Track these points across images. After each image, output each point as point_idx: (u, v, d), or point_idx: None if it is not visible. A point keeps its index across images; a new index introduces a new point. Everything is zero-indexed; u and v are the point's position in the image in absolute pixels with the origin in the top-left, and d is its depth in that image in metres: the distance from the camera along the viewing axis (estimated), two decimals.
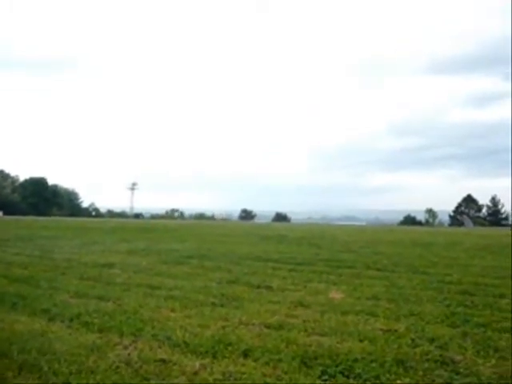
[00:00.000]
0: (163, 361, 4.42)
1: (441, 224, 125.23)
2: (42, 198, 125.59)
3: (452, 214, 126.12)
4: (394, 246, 21.24)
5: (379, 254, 16.53)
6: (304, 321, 6.07)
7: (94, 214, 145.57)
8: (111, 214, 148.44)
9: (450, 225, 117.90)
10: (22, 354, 4.52)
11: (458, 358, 4.62)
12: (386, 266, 12.50)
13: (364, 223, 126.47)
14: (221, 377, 4.05)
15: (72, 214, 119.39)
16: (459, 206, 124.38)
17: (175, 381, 3.94)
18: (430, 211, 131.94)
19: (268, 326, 5.79)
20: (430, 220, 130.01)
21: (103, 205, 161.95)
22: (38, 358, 4.39)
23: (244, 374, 4.12)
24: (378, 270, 11.75)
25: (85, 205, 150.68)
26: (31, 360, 4.35)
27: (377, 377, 4.10)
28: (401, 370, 4.27)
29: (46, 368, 4.15)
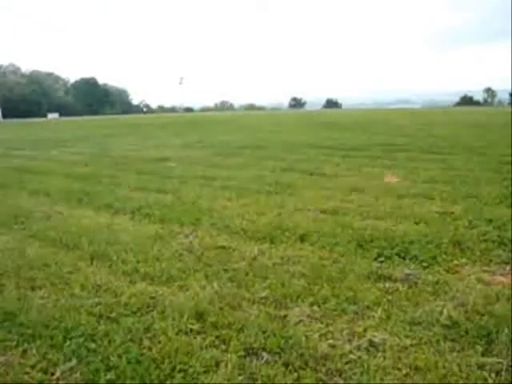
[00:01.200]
0: (223, 247, 4.59)
1: (500, 103, 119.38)
2: (94, 98, 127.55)
3: None
4: (450, 128, 20.60)
5: (434, 136, 16.11)
6: (359, 205, 6.10)
7: (145, 110, 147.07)
8: (162, 109, 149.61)
9: (511, 103, 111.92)
10: (92, 245, 4.78)
11: None
12: (442, 148, 12.21)
13: (419, 106, 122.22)
14: (279, 261, 4.18)
15: (124, 112, 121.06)
16: None
17: (236, 265, 4.09)
18: (488, 90, 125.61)
19: (323, 212, 5.86)
20: (489, 100, 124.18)
21: (154, 102, 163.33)
22: (107, 249, 4.64)
23: (302, 257, 4.23)
24: (434, 152, 11.50)
25: (135, 102, 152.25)
26: (101, 251, 4.60)
27: (433, 258, 4.12)
28: (457, 251, 4.27)
29: (115, 257, 4.39)
